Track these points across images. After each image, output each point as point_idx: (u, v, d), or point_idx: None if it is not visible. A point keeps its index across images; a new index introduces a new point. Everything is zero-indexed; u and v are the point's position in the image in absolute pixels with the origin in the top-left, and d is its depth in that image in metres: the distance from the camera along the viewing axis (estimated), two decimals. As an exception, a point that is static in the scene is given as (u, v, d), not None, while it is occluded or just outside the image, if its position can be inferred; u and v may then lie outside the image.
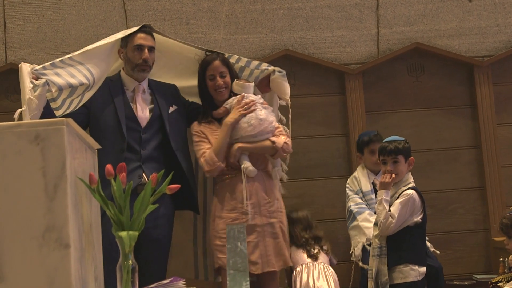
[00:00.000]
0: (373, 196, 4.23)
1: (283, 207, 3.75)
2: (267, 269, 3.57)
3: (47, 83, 3.14)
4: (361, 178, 4.36)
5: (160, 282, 2.35)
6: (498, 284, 3.62)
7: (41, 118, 3.11)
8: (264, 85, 3.90)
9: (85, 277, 2.19)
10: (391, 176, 3.65)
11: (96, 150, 2.66)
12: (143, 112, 3.64)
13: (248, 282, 1.88)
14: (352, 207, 4.29)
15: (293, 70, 4.81)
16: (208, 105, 3.75)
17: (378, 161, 3.80)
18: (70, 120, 2.10)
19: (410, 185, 3.67)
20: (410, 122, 4.92)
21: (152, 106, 3.69)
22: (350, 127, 4.84)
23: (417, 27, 4.97)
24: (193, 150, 3.77)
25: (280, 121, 3.94)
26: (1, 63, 4.72)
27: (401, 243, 3.60)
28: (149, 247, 3.50)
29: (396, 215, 3.56)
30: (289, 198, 4.27)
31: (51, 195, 1.99)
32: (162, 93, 3.74)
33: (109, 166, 2.23)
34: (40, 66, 3.25)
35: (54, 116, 3.27)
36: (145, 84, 3.71)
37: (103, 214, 2.49)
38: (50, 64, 3.30)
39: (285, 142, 3.64)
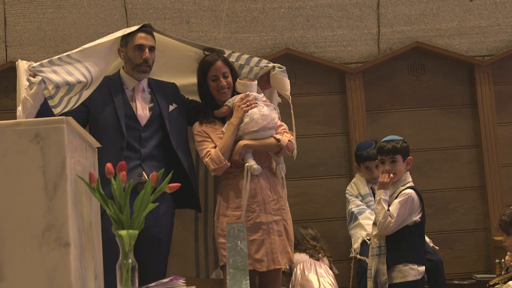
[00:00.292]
0: (372, 199, 4.30)
1: (286, 205, 3.75)
2: (272, 266, 3.56)
3: (43, 81, 3.13)
4: (359, 183, 4.44)
5: (160, 281, 2.35)
6: (495, 287, 3.62)
7: (39, 115, 3.11)
8: (264, 82, 3.88)
9: (85, 276, 2.19)
10: (389, 175, 3.65)
11: (96, 149, 2.66)
12: (143, 111, 3.64)
13: (248, 281, 1.89)
14: (354, 209, 4.34)
15: (293, 69, 4.81)
16: (209, 105, 3.75)
17: (374, 178, 3.89)
18: (70, 118, 2.10)
19: (408, 185, 3.67)
20: (411, 121, 4.92)
21: (152, 105, 3.68)
22: (350, 126, 4.84)
23: (418, 26, 4.96)
24: (194, 149, 3.77)
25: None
26: (1, 62, 4.72)
27: (400, 243, 3.61)
28: (149, 245, 3.50)
29: (395, 215, 3.56)
30: (289, 197, 4.26)
31: (51, 194, 1.99)
32: (162, 91, 3.74)
33: (109, 165, 2.23)
34: (37, 63, 3.24)
35: (52, 114, 3.27)
36: (144, 83, 3.71)
37: (103, 213, 2.49)
38: (47, 61, 3.29)
39: (289, 140, 3.64)
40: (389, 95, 4.94)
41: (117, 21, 4.77)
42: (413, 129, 4.89)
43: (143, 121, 3.62)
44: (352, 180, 4.51)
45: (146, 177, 3.47)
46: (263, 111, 3.63)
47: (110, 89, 3.63)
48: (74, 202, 2.07)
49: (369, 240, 3.99)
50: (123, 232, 2.15)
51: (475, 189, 4.92)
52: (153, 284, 2.34)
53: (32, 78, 3.12)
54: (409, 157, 3.71)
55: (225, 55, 3.80)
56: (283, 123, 3.76)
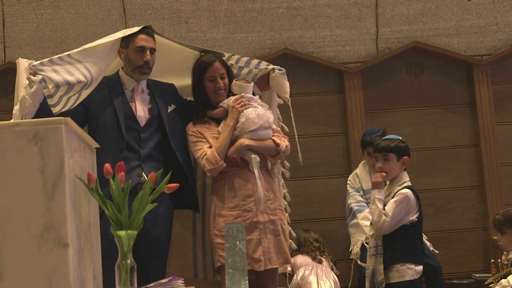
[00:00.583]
0: (373, 195, 4.24)
1: (282, 205, 3.76)
2: (269, 266, 3.57)
3: (43, 79, 3.13)
4: (362, 176, 4.37)
5: (159, 281, 2.35)
6: (490, 286, 3.62)
7: (38, 114, 3.11)
8: (263, 83, 3.88)
9: (84, 276, 2.19)
10: (381, 175, 3.65)
11: (95, 149, 2.66)
12: (142, 112, 3.64)
13: (247, 281, 1.88)
14: (353, 205, 4.30)
15: (292, 69, 4.81)
16: (204, 105, 3.74)
17: (374, 165, 3.82)
18: (68, 119, 2.10)
19: (405, 184, 3.67)
20: (409, 121, 4.92)
21: (151, 105, 3.68)
22: (349, 126, 4.84)
23: (416, 26, 4.97)
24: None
25: (278, 119, 3.95)
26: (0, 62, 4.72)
27: (397, 242, 3.60)
28: (148, 246, 3.50)
29: (390, 214, 3.55)
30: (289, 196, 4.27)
31: (50, 194, 1.99)
32: (161, 92, 3.74)
33: (107, 165, 2.23)
34: (38, 62, 3.24)
35: (52, 112, 3.27)
36: (143, 84, 3.71)
37: (102, 213, 2.49)
38: (48, 60, 3.29)
39: (286, 146, 3.68)
40: (387, 95, 4.94)
41: (116, 22, 4.77)
42: (412, 128, 4.89)
43: (142, 122, 3.63)
44: (355, 171, 4.45)
45: (146, 178, 3.47)
46: (258, 111, 3.64)
47: (110, 89, 3.63)
48: (72, 202, 2.08)
49: (367, 244, 3.98)
50: (122, 233, 2.15)
51: (474, 188, 4.92)
52: (152, 284, 2.34)
53: (32, 77, 3.12)
54: (405, 157, 3.69)
55: (224, 58, 3.80)
56: (278, 128, 3.78)
